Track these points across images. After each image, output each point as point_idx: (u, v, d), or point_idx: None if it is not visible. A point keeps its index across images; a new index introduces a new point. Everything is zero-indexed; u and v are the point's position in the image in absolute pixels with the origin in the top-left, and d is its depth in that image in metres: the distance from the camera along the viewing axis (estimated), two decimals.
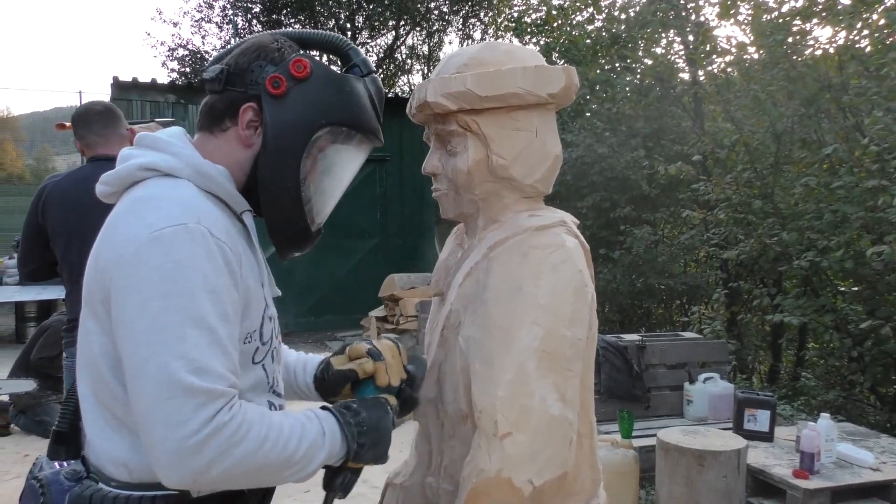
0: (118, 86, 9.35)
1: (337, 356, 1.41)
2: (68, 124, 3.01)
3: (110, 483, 1.18)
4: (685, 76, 8.10)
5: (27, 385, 5.39)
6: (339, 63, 1.40)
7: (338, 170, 1.35)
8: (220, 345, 1.09)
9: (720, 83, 6.88)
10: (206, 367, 1.06)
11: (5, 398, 5.55)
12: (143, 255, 1.08)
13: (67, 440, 1.30)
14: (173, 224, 1.09)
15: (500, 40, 8.52)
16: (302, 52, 1.32)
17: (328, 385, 1.41)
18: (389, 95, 11.87)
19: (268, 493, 1.32)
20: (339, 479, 1.27)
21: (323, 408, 1.27)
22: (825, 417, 3.61)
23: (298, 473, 1.17)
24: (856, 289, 5.50)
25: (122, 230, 1.13)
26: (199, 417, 1.04)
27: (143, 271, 1.07)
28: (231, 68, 1.27)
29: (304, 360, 1.55)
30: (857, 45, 5.43)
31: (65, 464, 1.24)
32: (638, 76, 8.66)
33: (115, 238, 1.13)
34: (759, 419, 3.89)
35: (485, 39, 14.98)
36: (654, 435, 3.69)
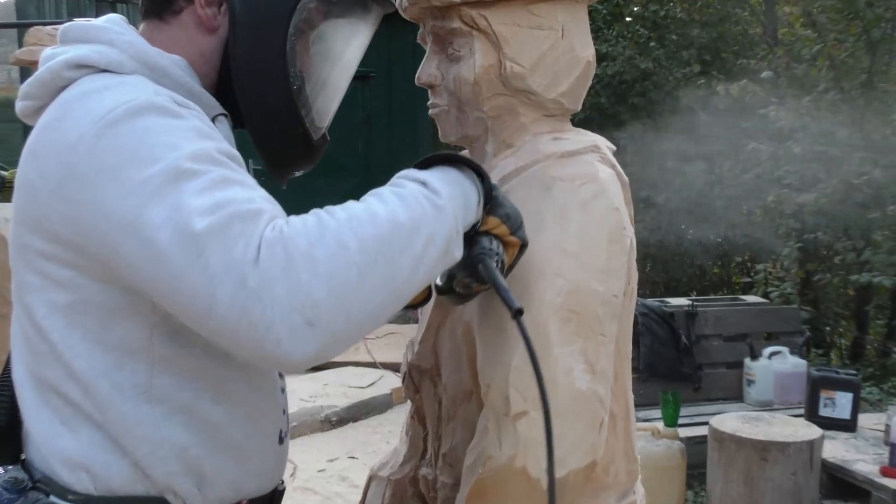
0: None
1: None
2: None
3: (67, 497, 1.12)
4: None
5: None
6: None
7: (339, 50, 1.31)
8: (230, 180, 1.03)
9: None
10: (222, 199, 0.99)
11: None
12: (100, 146, 1.03)
13: (3, 438, 1.23)
14: (125, 102, 1.05)
15: None
16: None
17: None
18: None
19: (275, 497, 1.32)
20: (482, 243, 1.17)
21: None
22: None
23: (436, 239, 1.05)
24: None
25: (59, 137, 1.07)
26: (247, 246, 0.96)
27: (107, 159, 1.02)
28: None
29: None
30: None
31: (1, 470, 1.18)
32: None
33: (48, 153, 1.07)
34: (839, 404, 3.93)
35: None
36: (706, 423, 3.73)
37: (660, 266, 8.65)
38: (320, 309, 0.96)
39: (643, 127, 8.14)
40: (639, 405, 4.71)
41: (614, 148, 1.48)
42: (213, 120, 1.22)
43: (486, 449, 1.23)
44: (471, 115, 1.42)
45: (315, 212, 1.04)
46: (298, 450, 4.71)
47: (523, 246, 1.22)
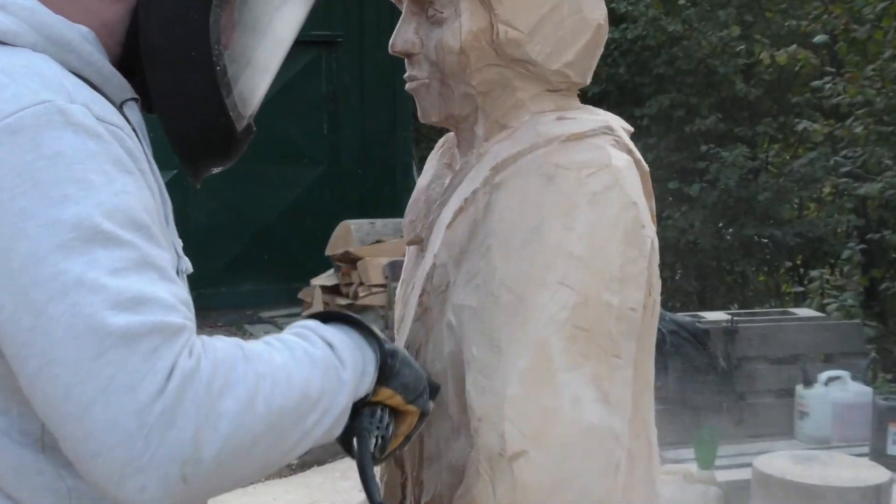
0: None
1: None
2: None
3: None
4: None
5: None
6: None
7: (270, 23, 1.32)
8: (151, 263, 1.04)
9: None
10: (142, 294, 1.00)
11: None
12: None
13: None
14: (33, 104, 1.05)
15: None
16: None
17: None
18: None
19: None
20: (364, 419, 1.26)
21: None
22: None
23: (327, 415, 1.15)
24: None
25: None
26: (155, 370, 0.98)
27: (1, 178, 1.02)
28: None
29: None
30: None
31: None
32: None
33: None
34: None
35: None
36: (749, 464, 3.73)
37: (693, 272, 8.67)
38: (201, 468, 1.00)
39: (671, 103, 8.17)
40: (666, 443, 4.71)
41: (632, 130, 1.48)
42: (123, 105, 1.22)
43: (478, 496, 1.24)
44: (456, 90, 1.42)
45: (230, 348, 1.09)
46: (250, 500, 4.69)
47: (424, 413, 1.30)
